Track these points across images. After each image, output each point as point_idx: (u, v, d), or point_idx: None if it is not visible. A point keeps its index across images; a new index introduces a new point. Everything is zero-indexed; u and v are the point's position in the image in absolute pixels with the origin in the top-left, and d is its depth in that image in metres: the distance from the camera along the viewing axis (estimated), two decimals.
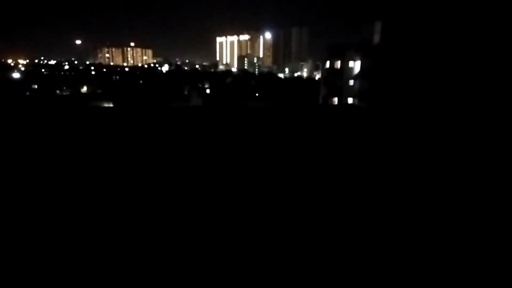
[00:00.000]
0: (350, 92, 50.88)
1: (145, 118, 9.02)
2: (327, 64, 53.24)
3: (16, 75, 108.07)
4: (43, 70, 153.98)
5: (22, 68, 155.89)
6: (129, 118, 9.01)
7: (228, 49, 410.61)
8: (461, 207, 3.73)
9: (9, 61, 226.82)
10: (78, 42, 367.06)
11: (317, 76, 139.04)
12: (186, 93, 74.85)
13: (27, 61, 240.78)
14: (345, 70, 51.22)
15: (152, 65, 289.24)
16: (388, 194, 4.11)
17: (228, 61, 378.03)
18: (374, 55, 44.73)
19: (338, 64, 52.11)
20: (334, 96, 52.54)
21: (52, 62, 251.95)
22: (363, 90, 46.88)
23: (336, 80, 51.96)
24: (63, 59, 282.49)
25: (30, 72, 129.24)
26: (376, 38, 49.98)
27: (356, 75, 49.81)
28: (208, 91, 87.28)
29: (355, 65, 50.49)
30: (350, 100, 51.03)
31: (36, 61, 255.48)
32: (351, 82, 51.10)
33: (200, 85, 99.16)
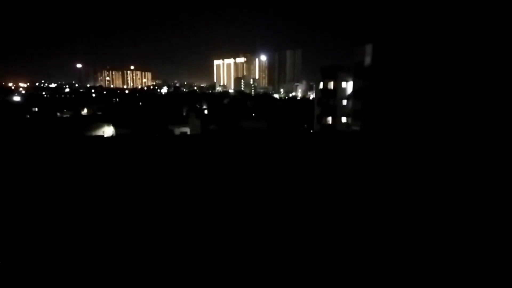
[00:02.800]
0: (344, 111, 52.29)
1: (142, 146, 8.62)
2: (321, 85, 54.86)
3: (16, 98, 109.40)
4: (43, 93, 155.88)
5: (23, 92, 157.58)
6: (128, 145, 8.67)
7: (225, 71, 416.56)
8: (460, 230, 3.65)
9: (10, 84, 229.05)
10: (79, 65, 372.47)
11: (312, 96, 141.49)
12: (184, 114, 76.37)
13: (28, 84, 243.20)
14: (338, 91, 52.81)
15: (151, 87, 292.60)
16: (384, 218, 3.97)
17: (225, 83, 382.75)
18: (366, 76, 46.49)
19: (331, 84, 53.70)
20: (328, 116, 53.98)
21: (53, 85, 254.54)
22: (356, 110, 48.37)
23: (329, 100, 53.50)
24: (63, 82, 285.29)
25: (31, 95, 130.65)
26: (368, 60, 52.16)
27: (349, 95, 51.42)
28: (206, 111, 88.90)
29: (348, 86, 52.09)
30: (343, 119, 52.42)
31: (37, 84, 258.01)
32: (344, 102, 52.57)
33: (198, 106, 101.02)
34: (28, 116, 75.35)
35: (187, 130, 58.32)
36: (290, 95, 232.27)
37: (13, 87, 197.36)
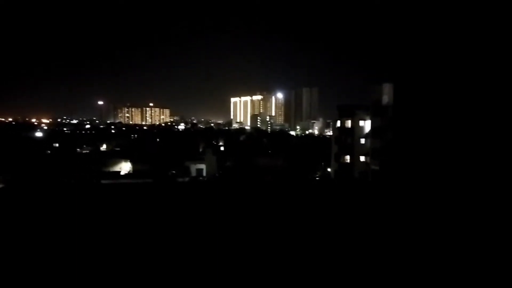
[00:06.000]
0: (362, 150, 51.63)
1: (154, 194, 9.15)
2: (338, 123, 54.72)
3: (38, 134, 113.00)
4: (65, 129, 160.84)
5: (45, 127, 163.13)
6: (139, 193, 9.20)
7: (241, 108, 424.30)
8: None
9: (33, 120, 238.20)
10: (100, 102, 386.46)
11: (328, 133, 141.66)
12: (201, 150, 76.85)
13: (50, 120, 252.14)
14: (356, 129, 52.45)
15: (169, 123, 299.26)
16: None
17: (242, 120, 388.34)
18: (384, 115, 46.13)
19: (348, 123, 53.49)
20: (346, 154, 53.30)
21: (74, 121, 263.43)
22: (375, 149, 47.65)
23: (347, 138, 53.04)
24: (85, 119, 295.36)
25: (53, 131, 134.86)
26: (385, 98, 51.93)
27: (367, 133, 50.90)
28: (222, 148, 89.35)
29: (366, 124, 51.76)
30: (362, 158, 51.62)
31: (59, 120, 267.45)
32: (363, 141, 52.02)
33: (215, 143, 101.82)
34: (49, 151, 77.16)
35: (203, 166, 58.34)
36: (307, 132, 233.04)
37: (36, 123, 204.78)
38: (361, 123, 52.19)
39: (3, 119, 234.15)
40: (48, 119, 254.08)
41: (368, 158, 49.78)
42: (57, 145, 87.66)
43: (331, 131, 70.68)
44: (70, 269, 4.01)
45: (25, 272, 3.81)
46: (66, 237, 5.06)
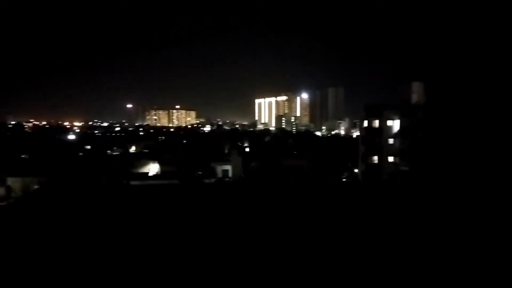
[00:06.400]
0: (390, 150, 50.43)
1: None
2: (365, 123, 53.63)
3: (71, 136, 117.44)
4: (96, 131, 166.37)
5: (77, 130, 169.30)
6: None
7: (266, 109, 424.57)
8: None
9: (66, 123, 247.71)
10: (129, 105, 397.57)
11: (355, 134, 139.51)
12: (226, 151, 77.40)
13: (82, 123, 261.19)
14: (384, 129, 51.29)
15: (195, 125, 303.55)
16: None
17: (267, 121, 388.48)
18: (414, 115, 44.88)
19: (376, 123, 52.35)
20: (374, 155, 52.16)
21: (105, 124, 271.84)
22: (404, 149, 46.44)
23: (375, 138, 51.89)
24: (114, 121, 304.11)
25: (84, 134, 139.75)
26: (414, 98, 50.48)
27: (396, 133, 49.68)
28: (247, 149, 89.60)
29: (394, 124, 50.54)
30: (390, 159, 50.43)
31: (90, 123, 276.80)
32: (391, 141, 50.81)
33: (240, 144, 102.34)
34: (81, 153, 79.87)
35: (229, 167, 58.63)
36: (333, 132, 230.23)
37: (68, 126, 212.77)
38: (389, 122, 50.94)
39: (37, 123, 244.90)
40: (80, 122, 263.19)
41: (397, 158, 48.55)
42: (88, 147, 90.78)
43: (357, 131, 69.43)
44: (101, 263, 4.22)
45: (57, 265, 4.00)
46: (98, 235, 5.24)
